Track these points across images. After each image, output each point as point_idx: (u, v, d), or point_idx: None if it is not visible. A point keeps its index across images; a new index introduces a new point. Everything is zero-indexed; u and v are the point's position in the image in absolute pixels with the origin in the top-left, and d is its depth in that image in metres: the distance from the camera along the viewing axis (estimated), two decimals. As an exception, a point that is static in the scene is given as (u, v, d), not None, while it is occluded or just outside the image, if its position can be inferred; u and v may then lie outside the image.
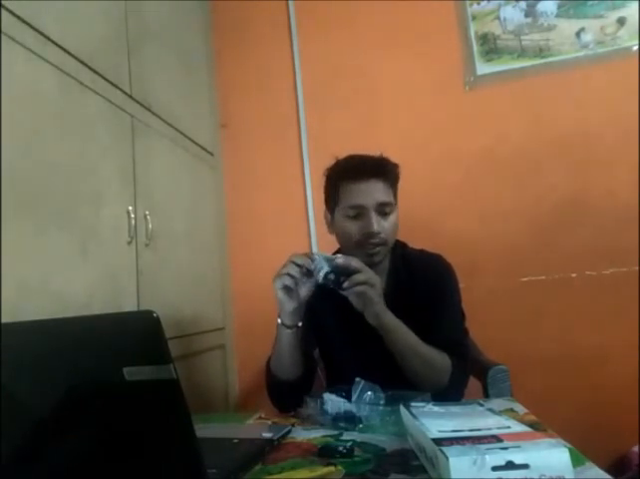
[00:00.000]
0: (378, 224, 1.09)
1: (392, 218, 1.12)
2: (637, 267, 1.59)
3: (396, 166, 1.16)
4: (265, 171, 1.98)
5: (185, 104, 1.75)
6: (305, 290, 1.01)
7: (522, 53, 1.77)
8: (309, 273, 0.97)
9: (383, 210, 1.10)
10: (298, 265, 0.97)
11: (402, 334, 1.01)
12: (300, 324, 1.04)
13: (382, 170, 1.12)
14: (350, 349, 1.15)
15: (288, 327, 1.03)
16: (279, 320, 1.04)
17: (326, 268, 0.95)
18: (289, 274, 0.97)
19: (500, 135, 1.76)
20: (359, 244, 1.10)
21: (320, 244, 1.85)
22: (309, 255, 0.99)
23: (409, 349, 1.01)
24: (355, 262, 0.97)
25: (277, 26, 2.01)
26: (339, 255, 1.00)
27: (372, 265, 1.07)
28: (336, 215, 1.16)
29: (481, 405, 0.80)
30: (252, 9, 2.04)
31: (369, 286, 0.96)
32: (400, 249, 1.20)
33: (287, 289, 0.98)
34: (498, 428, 0.63)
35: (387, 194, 1.11)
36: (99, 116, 1.25)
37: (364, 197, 1.09)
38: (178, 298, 1.54)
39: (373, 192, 1.10)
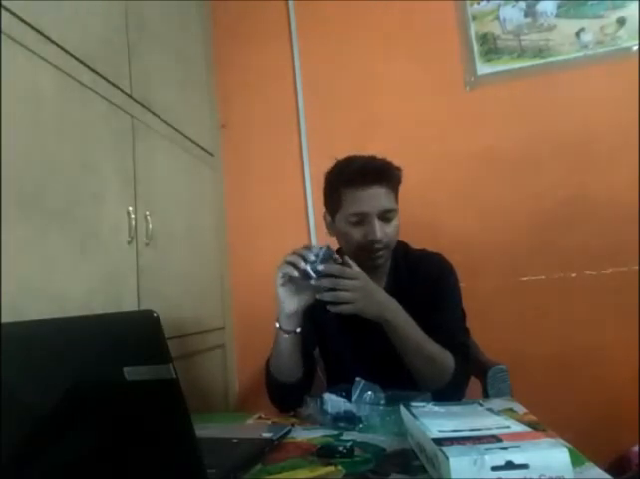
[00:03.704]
0: (381, 230, 1.08)
1: (394, 222, 1.12)
2: (637, 267, 1.59)
3: (398, 169, 1.14)
4: (265, 171, 1.98)
5: (185, 104, 1.75)
6: (306, 298, 1.00)
7: (522, 53, 1.77)
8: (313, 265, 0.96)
9: (385, 215, 1.09)
10: (302, 259, 0.96)
11: (405, 330, 0.99)
12: (299, 331, 1.03)
13: (385, 175, 1.10)
14: (350, 349, 1.15)
15: (286, 333, 1.02)
16: (277, 325, 1.03)
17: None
18: (290, 264, 0.96)
19: (500, 135, 1.76)
20: (361, 249, 1.10)
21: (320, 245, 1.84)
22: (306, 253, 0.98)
23: (412, 346, 0.99)
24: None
25: (277, 26, 2.01)
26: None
27: (374, 268, 1.09)
28: (337, 219, 1.14)
29: (481, 405, 0.80)
30: (252, 9, 2.04)
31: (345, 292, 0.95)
32: (401, 250, 1.20)
33: (289, 287, 0.98)
34: (498, 428, 0.63)
35: (389, 199, 1.10)
36: (99, 116, 1.25)
37: (367, 203, 1.08)
38: (178, 298, 1.54)
39: (376, 198, 1.08)
